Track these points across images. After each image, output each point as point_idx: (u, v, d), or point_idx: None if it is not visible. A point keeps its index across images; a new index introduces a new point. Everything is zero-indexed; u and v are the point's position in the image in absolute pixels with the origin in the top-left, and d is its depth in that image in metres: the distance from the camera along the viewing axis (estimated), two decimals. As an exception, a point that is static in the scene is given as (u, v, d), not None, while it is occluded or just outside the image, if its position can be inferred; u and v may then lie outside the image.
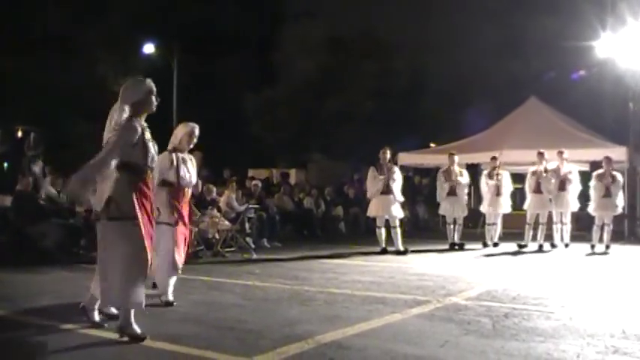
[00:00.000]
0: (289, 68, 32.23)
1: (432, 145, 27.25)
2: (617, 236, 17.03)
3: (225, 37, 31.11)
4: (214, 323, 6.46)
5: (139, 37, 29.00)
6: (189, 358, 5.17)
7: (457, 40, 31.07)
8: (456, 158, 15.95)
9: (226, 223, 13.92)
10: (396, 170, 14.61)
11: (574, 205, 15.57)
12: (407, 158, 21.39)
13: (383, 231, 14.62)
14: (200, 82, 31.06)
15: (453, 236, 15.89)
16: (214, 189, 14.74)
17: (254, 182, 17.75)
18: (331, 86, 31.51)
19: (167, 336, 5.78)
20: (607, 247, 15.19)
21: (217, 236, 13.81)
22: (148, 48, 29.32)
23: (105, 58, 29.21)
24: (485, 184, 16.17)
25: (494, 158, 16.23)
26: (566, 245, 15.65)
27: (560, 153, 15.53)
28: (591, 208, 15.31)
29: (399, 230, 14.39)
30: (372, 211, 14.73)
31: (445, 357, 5.22)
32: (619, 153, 18.23)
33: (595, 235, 15.28)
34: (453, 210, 15.87)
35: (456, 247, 15.63)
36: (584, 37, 22.11)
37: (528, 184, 15.79)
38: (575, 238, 15.84)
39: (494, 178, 15.96)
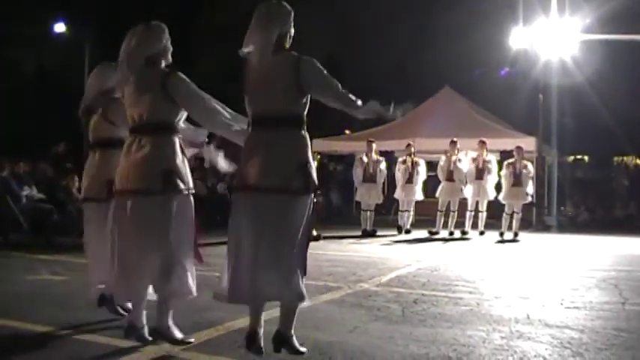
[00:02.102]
0: (205, 51, 31.76)
1: (347, 131, 27.35)
2: (526, 224, 17.44)
3: (140, 18, 30.38)
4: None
5: (49, 15, 28.01)
6: (97, 347, 5.05)
7: (373, 28, 31.20)
8: (374, 145, 16.06)
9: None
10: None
11: (491, 194, 15.84)
12: (321, 144, 21.40)
13: None
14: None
15: (367, 223, 16.01)
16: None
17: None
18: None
19: (79, 326, 5.62)
20: (515, 234, 15.56)
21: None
22: (59, 27, 28.37)
23: (14, 35, 28.14)
24: (400, 171, 16.32)
25: (409, 145, 16.41)
26: (481, 233, 15.96)
27: (483, 143, 15.74)
28: (502, 197, 15.64)
29: None
30: None
31: (354, 342, 5.22)
32: (528, 143, 18.68)
33: (504, 222, 15.65)
34: (369, 196, 15.97)
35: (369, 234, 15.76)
36: (498, 30, 22.54)
37: (440, 172, 16.00)
38: (485, 225, 16.14)
39: (409, 165, 16.13)
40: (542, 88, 21.90)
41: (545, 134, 21.43)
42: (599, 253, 13.02)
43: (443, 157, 16.07)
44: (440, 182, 16.11)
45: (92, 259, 5.89)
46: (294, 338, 4.60)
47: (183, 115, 5.02)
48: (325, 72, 4.54)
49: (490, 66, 29.15)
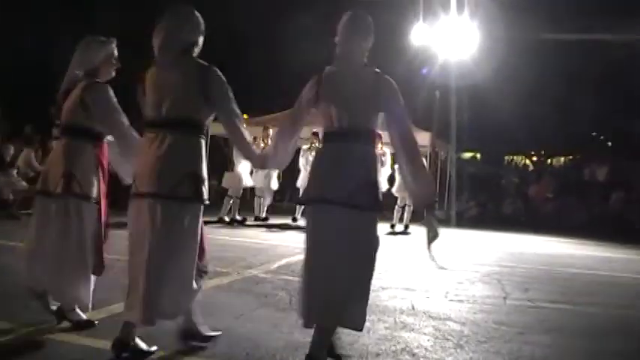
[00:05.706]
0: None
1: (244, 115, 27.09)
2: (417, 216, 17.71)
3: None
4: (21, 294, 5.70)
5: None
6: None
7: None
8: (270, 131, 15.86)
9: (23, 183, 13.57)
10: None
11: (384, 186, 15.90)
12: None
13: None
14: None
15: (260, 210, 16.05)
16: (12, 147, 14.23)
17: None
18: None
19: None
20: (406, 226, 15.83)
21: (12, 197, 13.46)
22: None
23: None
24: (303, 159, 15.83)
25: (314, 134, 16.09)
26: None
27: (378, 135, 15.71)
28: (394, 189, 15.83)
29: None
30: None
31: (239, 329, 5.19)
32: (423, 138, 18.98)
33: (396, 214, 15.88)
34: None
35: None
36: (400, 26, 22.74)
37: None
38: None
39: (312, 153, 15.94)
40: (439, 85, 22.32)
41: (440, 130, 21.86)
42: (486, 249, 13.38)
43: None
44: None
45: (30, 252, 5.09)
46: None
47: (212, 117, 4.54)
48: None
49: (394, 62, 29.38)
